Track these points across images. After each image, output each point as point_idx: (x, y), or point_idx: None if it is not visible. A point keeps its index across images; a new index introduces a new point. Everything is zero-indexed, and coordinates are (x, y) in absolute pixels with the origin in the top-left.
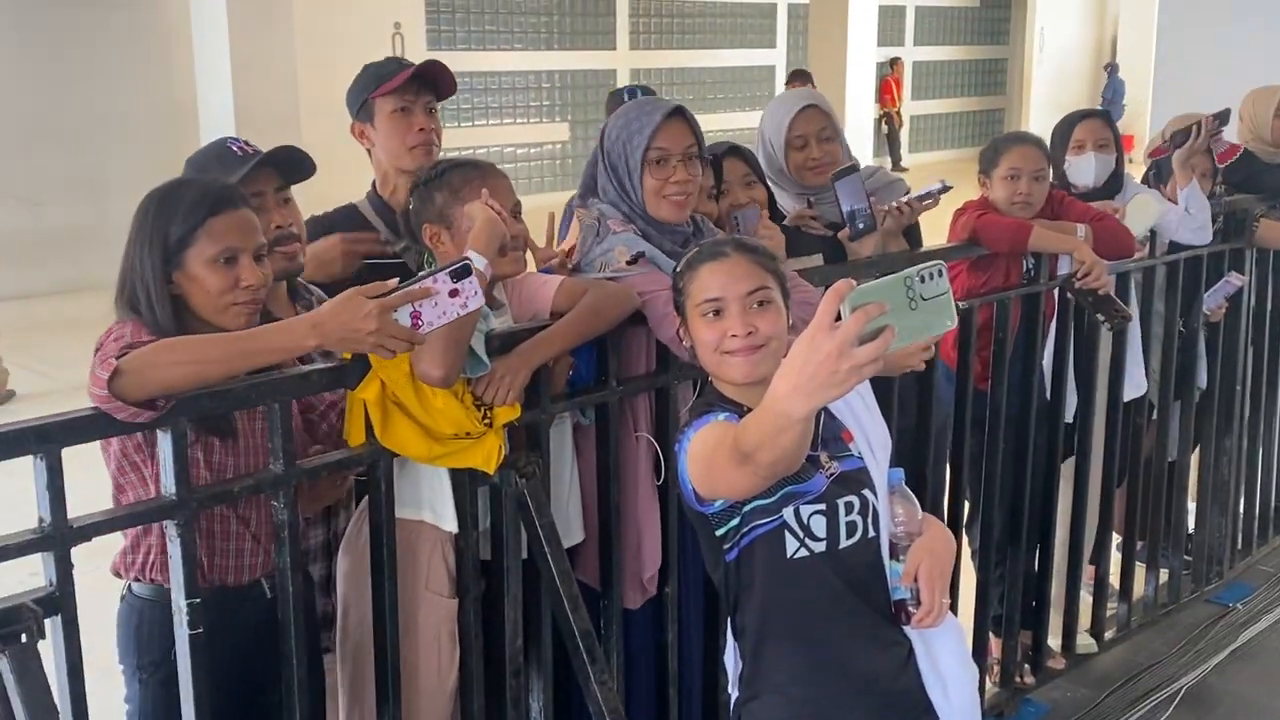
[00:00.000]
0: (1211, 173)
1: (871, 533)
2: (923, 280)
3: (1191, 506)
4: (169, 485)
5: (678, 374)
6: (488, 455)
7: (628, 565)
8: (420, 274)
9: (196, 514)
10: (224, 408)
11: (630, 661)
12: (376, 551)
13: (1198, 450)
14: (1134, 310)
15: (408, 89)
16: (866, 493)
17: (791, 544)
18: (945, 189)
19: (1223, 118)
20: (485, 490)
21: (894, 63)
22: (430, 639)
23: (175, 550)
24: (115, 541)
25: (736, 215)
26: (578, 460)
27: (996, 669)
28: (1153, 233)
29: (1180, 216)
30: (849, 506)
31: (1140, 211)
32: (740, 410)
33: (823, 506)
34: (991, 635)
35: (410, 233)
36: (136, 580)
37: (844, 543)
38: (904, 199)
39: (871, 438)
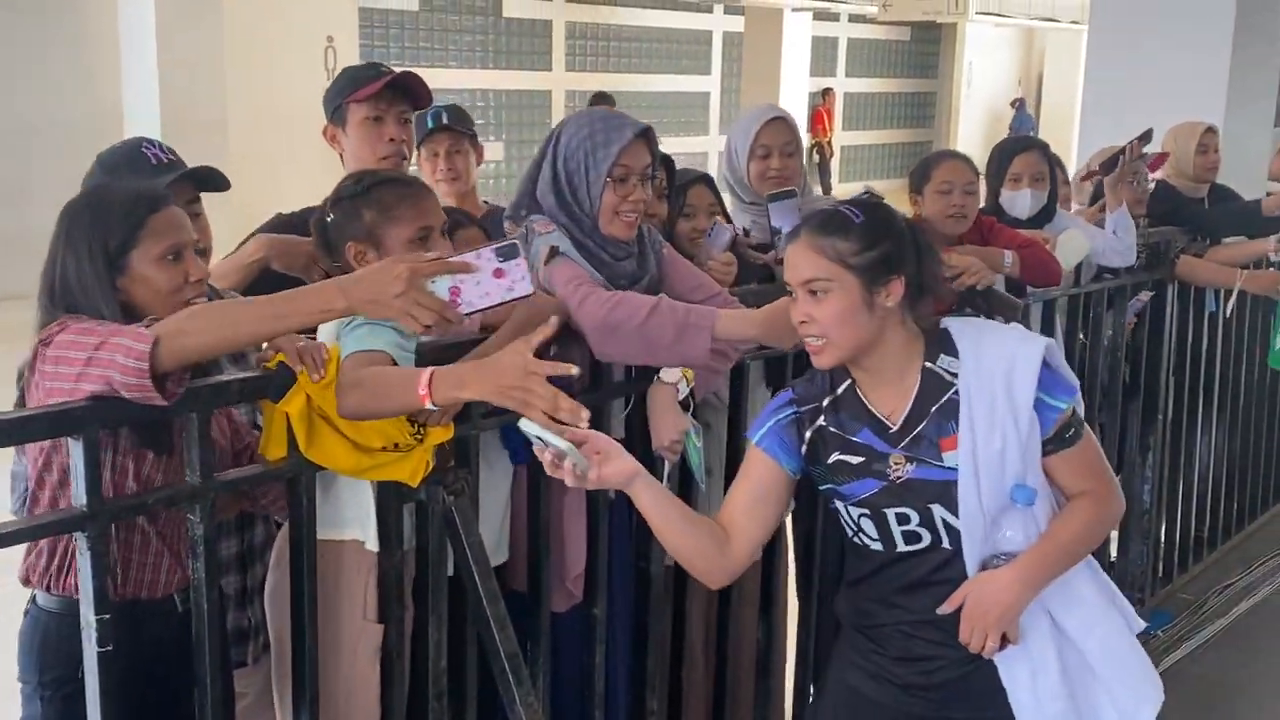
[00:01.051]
0: (1141, 199)
1: (945, 544)
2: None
3: (1113, 535)
4: (79, 496)
5: (611, 392)
6: (414, 470)
7: (553, 566)
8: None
9: (108, 527)
10: (141, 416)
11: (557, 679)
12: (297, 571)
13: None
14: (1058, 337)
15: (382, 97)
16: (935, 506)
17: (849, 530)
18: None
19: (1145, 137)
20: (411, 508)
21: (826, 93)
22: (365, 666)
23: (85, 564)
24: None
25: (711, 230)
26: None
27: None
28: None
29: (1108, 240)
30: (902, 517)
31: (1069, 247)
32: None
33: (868, 511)
34: None
35: (326, 247)
36: (45, 591)
37: (901, 547)
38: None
39: (990, 450)
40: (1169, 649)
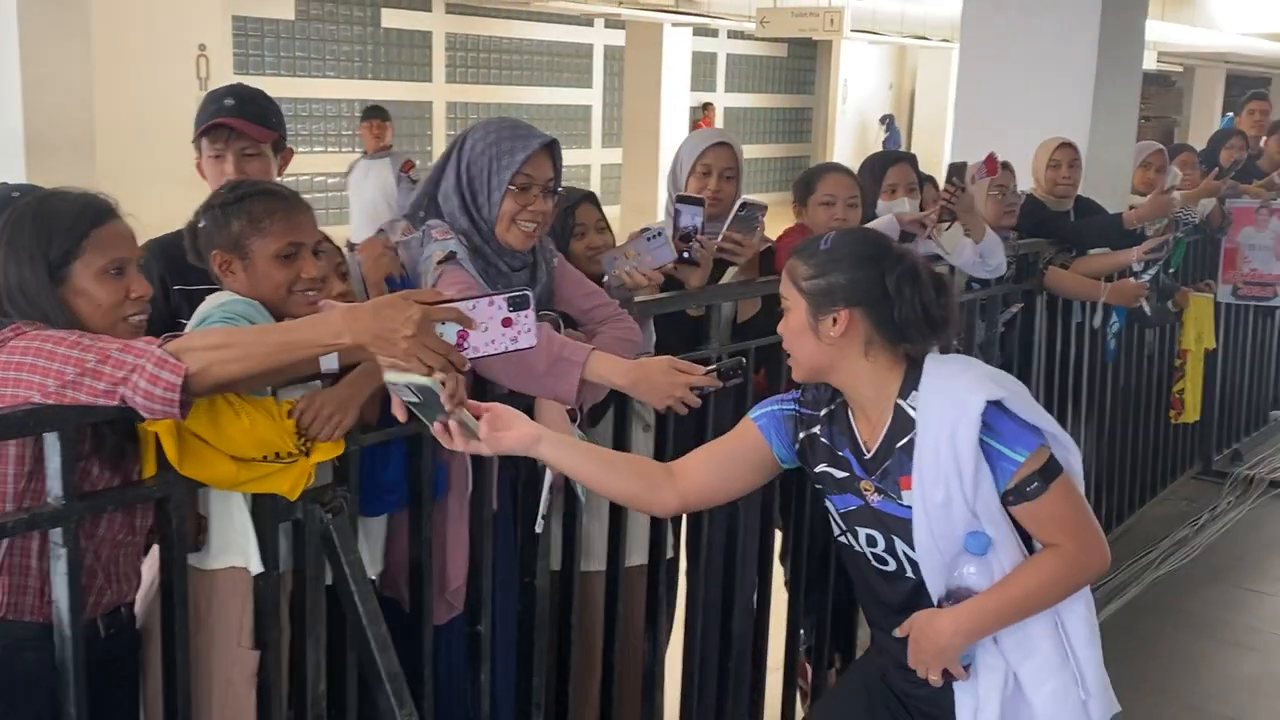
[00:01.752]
0: (1011, 211)
1: (909, 574)
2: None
3: None
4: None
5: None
6: (294, 483)
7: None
8: (476, 295)
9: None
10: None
11: (441, 698)
12: (166, 595)
13: None
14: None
15: (217, 137)
16: (896, 539)
17: (835, 529)
18: (752, 205)
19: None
20: (288, 528)
21: (706, 107)
22: (242, 692)
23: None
24: None
25: (651, 238)
26: None
27: (807, 700)
28: (952, 269)
29: (973, 258)
30: (871, 539)
31: (953, 239)
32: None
33: (848, 526)
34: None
35: (196, 253)
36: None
37: (875, 565)
38: (724, 232)
39: (933, 499)
40: None
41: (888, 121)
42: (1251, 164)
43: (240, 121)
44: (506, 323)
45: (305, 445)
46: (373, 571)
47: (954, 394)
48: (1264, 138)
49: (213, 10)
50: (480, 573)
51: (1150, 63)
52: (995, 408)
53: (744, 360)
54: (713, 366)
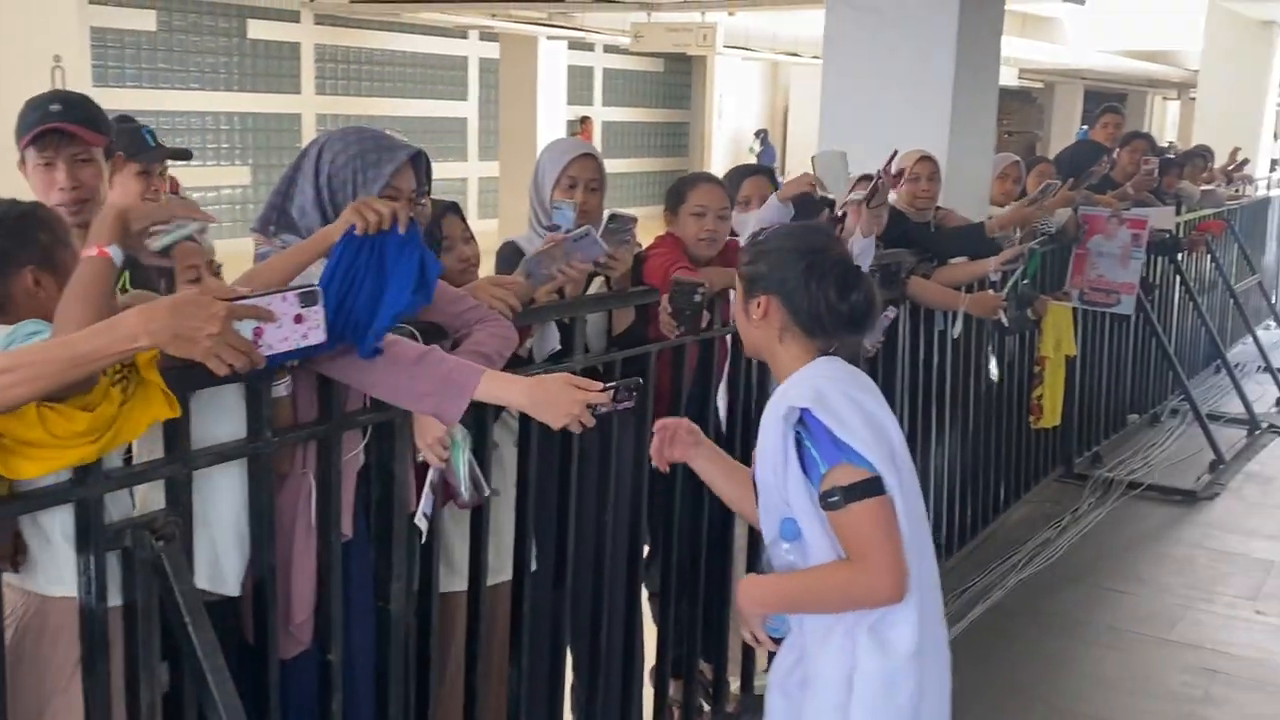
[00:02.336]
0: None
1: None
2: None
3: None
4: None
5: (343, 423)
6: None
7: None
8: (266, 290)
9: None
10: None
11: None
12: None
13: None
14: None
15: (47, 144)
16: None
17: None
18: (621, 218)
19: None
20: (117, 555)
21: (584, 121)
22: None
23: None
24: None
25: (575, 239)
26: None
27: (678, 711)
28: None
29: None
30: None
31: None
32: None
33: None
34: (671, 677)
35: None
36: None
37: None
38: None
39: (762, 477)
40: None
41: (762, 136)
42: (1106, 174)
43: (72, 125)
44: (298, 319)
45: (123, 374)
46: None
47: (788, 391)
48: (1116, 149)
49: (69, 20)
50: (330, 600)
51: (1012, 79)
52: (819, 414)
53: (640, 381)
54: (611, 384)
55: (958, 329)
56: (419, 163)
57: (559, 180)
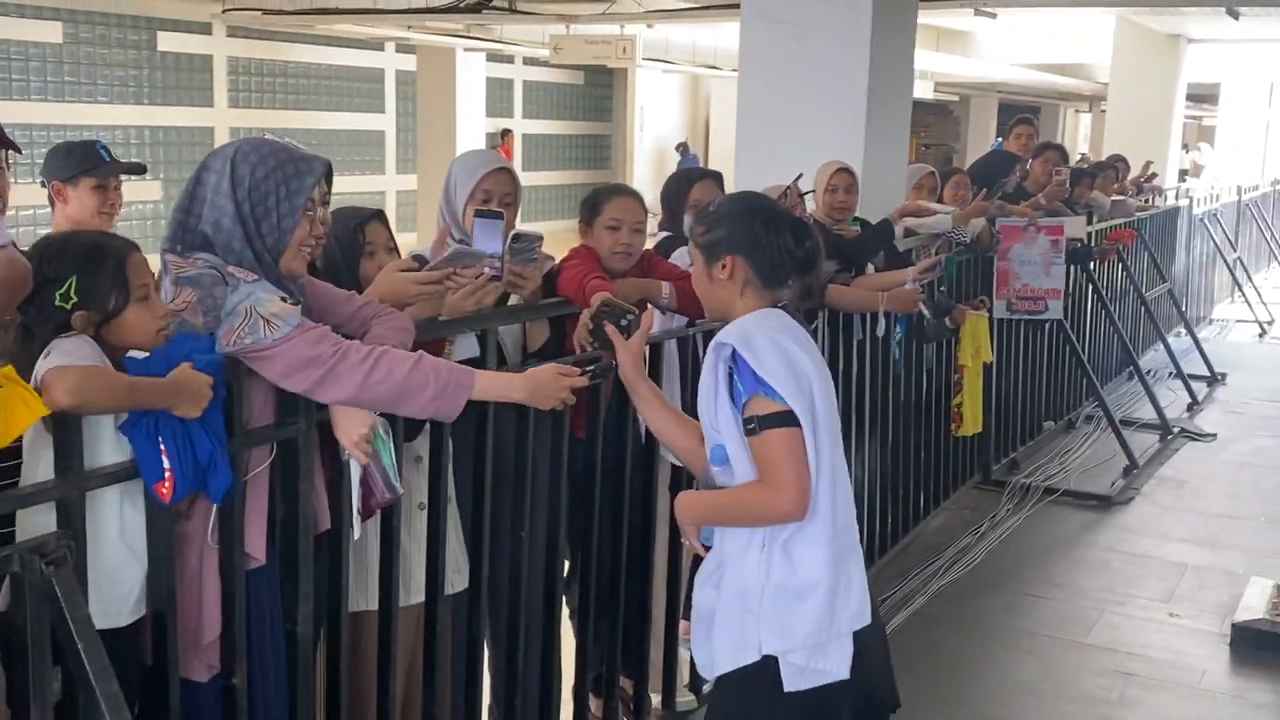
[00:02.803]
0: None
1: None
2: None
3: None
4: None
5: (247, 440)
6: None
7: (184, 628)
8: None
9: None
10: None
11: None
12: None
13: None
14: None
15: None
16: None
17: None
18: (526, 237)
19: (799, 181)
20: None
21: (505, 134)
22: None
23: None
24: None
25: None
26: None
27: None
28: None
29: None
30: None
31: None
32: None
33: None
34: (591, 695)
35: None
36: None
37: None
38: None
39: (703, 407)
40: None
41: (682, 148)
42: (1019, 185)
43: None
44: None
45: None
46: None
47: (726, 331)
48: (1029, 160)
49: None
50: (234, 621)
51: (928, 93)
52: (743, 352)
53: (614, 365)
54: (589, 368)
55: (880, 329)
56: (329, 172)
57: (473, 194)
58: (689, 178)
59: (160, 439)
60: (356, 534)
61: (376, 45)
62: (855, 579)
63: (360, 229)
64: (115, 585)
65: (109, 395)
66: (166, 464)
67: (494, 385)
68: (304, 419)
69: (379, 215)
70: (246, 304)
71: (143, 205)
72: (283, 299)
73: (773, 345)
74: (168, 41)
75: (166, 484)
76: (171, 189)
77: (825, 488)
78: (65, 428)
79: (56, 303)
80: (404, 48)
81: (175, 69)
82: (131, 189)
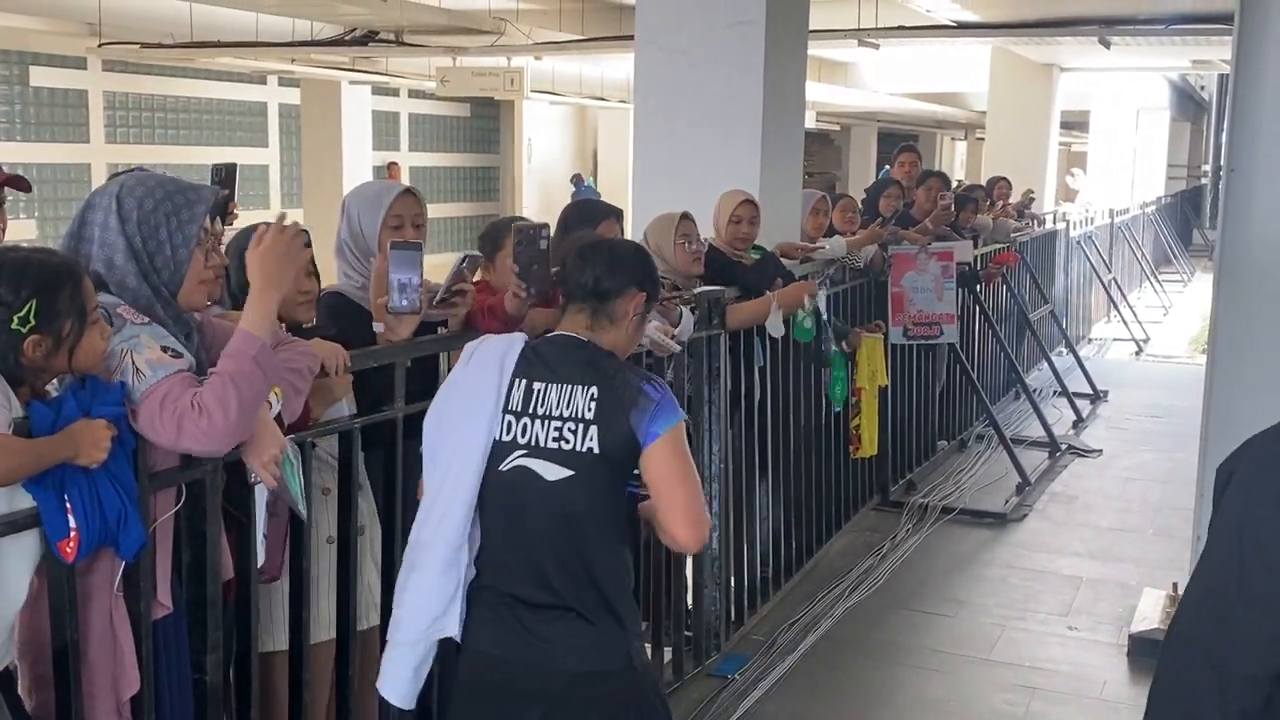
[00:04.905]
0: (697, 258)
1: None
2: None
3: (689, 583)
4: None
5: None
6: None
7: (99, 686)
8: None
9: None
10: None
11: None
12: None
13: None
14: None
15: None
16: None
17: None
18: (473, 259)
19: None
20: None
21: (390, 166)
22: None
23: None
24: None
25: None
26: None
27: None
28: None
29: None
30: None
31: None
32: None
33: None
34: None
35: None
36: None
37: None
38: (440, 293)
39: None
40: (746, 692)
41: (576, 179)
42: (905, 212)
43: None
44: None
45: None
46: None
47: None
48: (913, 187)
49: None
50: (144, 672)
51: (810, 122)
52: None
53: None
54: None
55: (779, 330)
56: (219, 200)
57: (385, 221)
58: (591, 213)
59: (65, 496)
60: (259, 560)
61: (259, 79)
62: None
63: None
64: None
65: (13, 465)
66: (72, 522)
67: (255, 312)
68: (210, 460)
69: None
70: (123, 347)
71: (19, 243)
72: (164, 349)
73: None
74: (40, 76)
75: (71, 542)
76: (48, 227)
77: None
78: None
79: (13, 325)
80: (287, 81)
81: (49, 104)
82: (7, 229)
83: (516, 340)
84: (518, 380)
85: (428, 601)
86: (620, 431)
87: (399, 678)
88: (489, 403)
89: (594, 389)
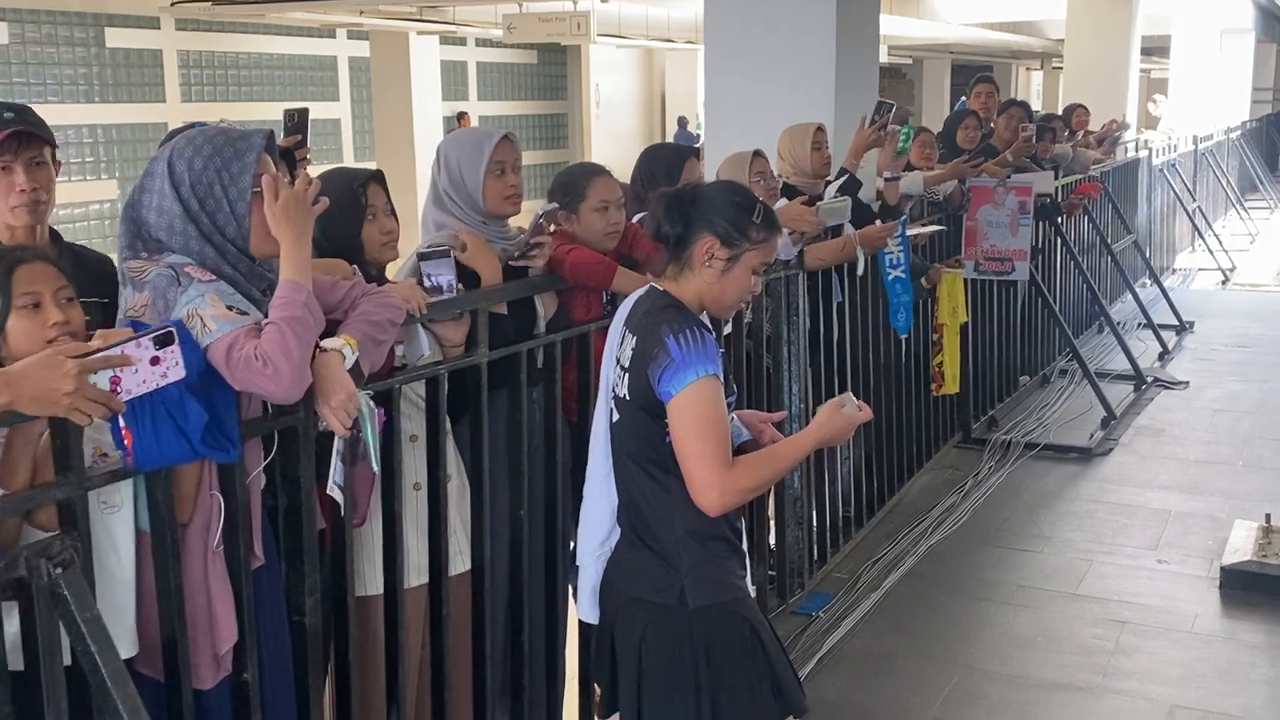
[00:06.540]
0: (773, 196)
1: None
2: None
3: (770, 523)
4: None
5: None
6: None
7: (199, 640)
8: (121, 338)
9: None
10: None
11: None
12: None
13: None
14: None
15: (7, 147)
16: None
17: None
18: (550, 213)
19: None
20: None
21: (461, 116)
22: None
23: None
24: None
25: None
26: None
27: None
28: None
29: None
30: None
31: (828, 209)
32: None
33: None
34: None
35: None
36: None
37: None
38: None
39: None
40: (830, 629)
41: (682, 122)
42: (985, 142)
43: (30, 129)
44: (155, 360)
45: None
46: (128, 650)
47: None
48: (994, 117)
49: None
50: (245, 621)
51: (882, 56)
52: None
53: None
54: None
55: (861, 268)
56: (272, 141)
57: (488, 168)
58: (681, 156)
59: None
60: (342, 505)
61: (328, 32)
62: None
63: (362, 190)
64: (121, 617)
65: None
66: (122, 422)
67: (294, 265)
68: (303, 406)
69: (377, 176)
70: (191, 306)
71: (100, 205)
72: (229, 307)
73: None
74: (116, 37)
75: (126, 439)
76: (128, 187)
77: None
78: (64, 428)
79: None
80: (356, 34)
81: (125, 65)
82: (87, 189)
83: (640, 291)
84: (626, 330)
85: (595, 525)
86: (641, 382)
87: (581, 594)
88: (613, 347)
89: (635, 338)
